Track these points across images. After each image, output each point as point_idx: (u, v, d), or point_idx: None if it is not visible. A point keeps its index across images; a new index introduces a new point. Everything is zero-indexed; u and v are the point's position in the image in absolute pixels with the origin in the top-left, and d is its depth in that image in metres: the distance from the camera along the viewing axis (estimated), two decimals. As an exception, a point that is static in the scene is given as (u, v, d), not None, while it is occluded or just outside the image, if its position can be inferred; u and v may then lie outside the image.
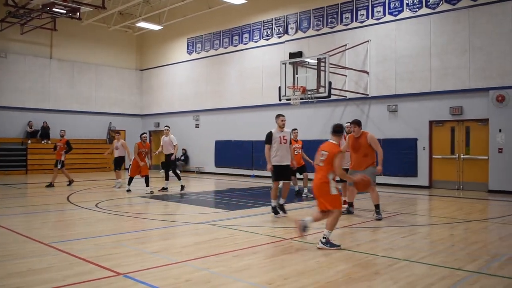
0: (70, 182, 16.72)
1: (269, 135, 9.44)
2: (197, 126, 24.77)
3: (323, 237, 6.57)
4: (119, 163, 16.30)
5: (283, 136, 9.44)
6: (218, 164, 23.34)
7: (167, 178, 14.70)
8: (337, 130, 6.90)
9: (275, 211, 9.52)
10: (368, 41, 17.57)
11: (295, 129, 13.00)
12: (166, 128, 14.71)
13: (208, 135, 23.91)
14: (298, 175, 13.20)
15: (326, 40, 18.79)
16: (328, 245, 6.53)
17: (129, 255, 6.20)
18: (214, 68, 23.82)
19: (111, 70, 27.31)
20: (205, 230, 7.99)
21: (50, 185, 16.07)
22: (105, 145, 25.61)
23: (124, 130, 27.46)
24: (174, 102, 26.26)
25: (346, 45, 18.00)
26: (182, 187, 14.75)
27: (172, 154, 14.31)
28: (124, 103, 27.79)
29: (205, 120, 24.30)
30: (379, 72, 17.35)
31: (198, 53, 24.74)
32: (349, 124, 10.61)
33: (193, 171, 24.49)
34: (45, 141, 23.90)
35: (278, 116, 9.49)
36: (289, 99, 16.40)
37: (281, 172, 9.44)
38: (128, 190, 14.38)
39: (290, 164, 9.53)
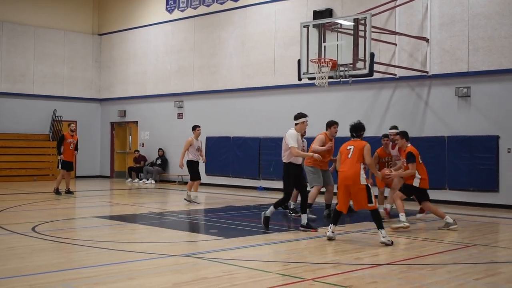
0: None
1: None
2: (180, 116, 24.78)
3: None
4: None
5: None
6: (210, 171, 23.28)
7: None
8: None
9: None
10: (428, -6, 17.51)
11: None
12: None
13: (196, 129, 23.84)
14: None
15: (368, -8, 18.71)
16: None
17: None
18: (204, 33, 23.80)
19: (57, 35, 27.29)
20: (190, 266, 7.98)
21: (68, 191, 18.56)
22: (48, 143, 25.71)
23: (75, 122, 27.45)
24: (146, 81, 26.27)
25: (396, -1, 17.94)
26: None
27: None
28: (75, 83, 27.80)
29: (192, 108, 24.26)
30: (444, 40, 17.25)
31: (182, 10, 24.72)
32: (394, 130, 13.18)
33: (174, 181, 24.48)
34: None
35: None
36: (313, 78, 16.33)
37: None
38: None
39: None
